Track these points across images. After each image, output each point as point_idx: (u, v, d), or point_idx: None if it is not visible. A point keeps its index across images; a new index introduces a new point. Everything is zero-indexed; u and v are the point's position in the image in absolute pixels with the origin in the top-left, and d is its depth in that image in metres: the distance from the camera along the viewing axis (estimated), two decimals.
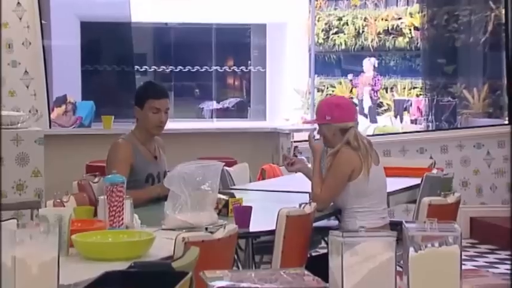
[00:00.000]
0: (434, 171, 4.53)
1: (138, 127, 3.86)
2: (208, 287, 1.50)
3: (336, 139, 3.66)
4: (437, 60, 7.89)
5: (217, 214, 3.19)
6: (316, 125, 4.20)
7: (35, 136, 5.40)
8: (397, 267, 1.66)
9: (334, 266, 1.61)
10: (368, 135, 6.42)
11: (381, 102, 11.56)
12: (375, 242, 1.62)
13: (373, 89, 11.22)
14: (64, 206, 3.25)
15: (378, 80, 11.30)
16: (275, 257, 3.13)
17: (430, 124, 7.91)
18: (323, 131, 3.71)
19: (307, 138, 3.98)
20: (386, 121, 11.18)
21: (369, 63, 11.27)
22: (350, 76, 11.67)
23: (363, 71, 11.43)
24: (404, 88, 11.96)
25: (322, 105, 3.79)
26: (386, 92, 11.76)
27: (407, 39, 12.06)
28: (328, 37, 12.33)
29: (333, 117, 3.66)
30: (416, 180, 4.40)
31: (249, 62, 8.11)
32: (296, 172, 3.92)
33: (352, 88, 11.61)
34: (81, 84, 7.12)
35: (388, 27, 12.07)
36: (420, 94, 10.17)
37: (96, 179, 3.86)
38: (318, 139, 3.79)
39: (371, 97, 11.19)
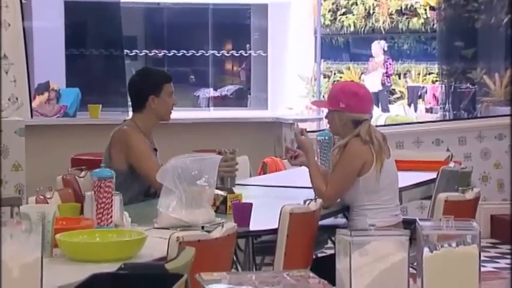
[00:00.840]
0: (452, 164, 4.53)
1: (146, 117, 3.93)
2: None
3: (346, 129, 3.66)
4: (455, 43, 7.88)
5: (214, 211, 3.20)
6: (324, 110, 4.20)
7: (15, 126, 5.40)
8: (410, 268, 1.67)
9: (342, 268, 1.62)
10: (378, 126, 6.43)
11: (393, 90, 11.55)
12: (386, 242, 1.63)
13: (385, 75, 11.16)
14: (47, 203, 3.26)
15: (390, 64, 11.23)
16: (277, 258, 3.14)
17: (447, 113, 7.90)
18: (333, 118, 3.69)
19: (312, 129, 3.99)
20: (399, 110, 11.18)
21: (378, 47, 11.22)
22: (362, 64, 11.65)
23: (371, 56, 11.42)
24: (419, 74, 11.96)
25: (338, 90, 3.76)
26: (399, 78, 11.76)
27: (422, 20, 12.05)
28: (335, 18, 12.32)
29: (348, 106, 3.64)
30: (431, 175, 4.40)
31: (249, 45, 8.09)
32: (300, 166, 3.93)
33: (361, 74, 11.60)
34: (66, 70, 7.10)
35: (401, 7, 12.06)
36: (436, 80, 10.16)
37: (83, 173, 3.87)
38: (303, 135, 3.77)
39: (383, 83, 11.16)
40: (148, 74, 4.08)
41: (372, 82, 10.80)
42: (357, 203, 3.67)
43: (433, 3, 10.87)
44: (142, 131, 3.90)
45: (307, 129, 4.00)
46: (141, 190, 3.84)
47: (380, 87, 11.15)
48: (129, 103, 6.87)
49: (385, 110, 11.03)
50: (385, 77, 11.21)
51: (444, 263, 1.64)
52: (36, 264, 1.59)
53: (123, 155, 3.81)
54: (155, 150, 3.97)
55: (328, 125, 3.88)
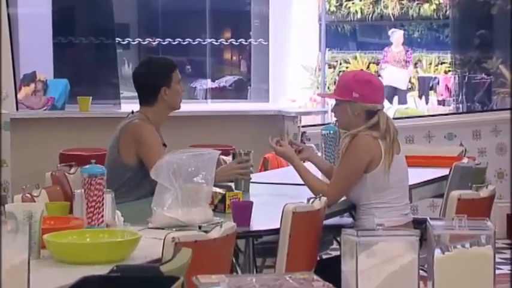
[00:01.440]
0: (465, 160, 4.54)
1: (158, 110, 3.96)
2: None
3: (359, 121, 3.64)
4: (469, 30, 7.87)
5: (212, 210, 3.21)
6: (330, 102, 4.20)
7: None
8: (421, 271, 1.67)
9: (348, 270, 1.63)
10: None
11: None
12: (395, 242, 1.63)
13: (406, 67, 10.98)
14: (34, 201, 3.27)
15: (410, 54, 11.07)
16: (279, 259, 3.15)
17: (461, 105, 7.90)
18: (344, 110, 3.67)
19: (315, 123, 3.99)
20: (410, 102, 11.17)
21: (398, 35, 11.03)
22: (369, 53, 11.56)
23: (383, 45, 11.37)
24: (431, 63, 11.95)
25: (349, 79, 3.73)
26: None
27: (434, 6, 12.04)
28: (341, 4, 12.32)
29: (362, 95, 3.63)
30: (443, 171, 4.41)
31: (250, 33, 8.09)
32: (304, 161, 3.93)
33: (369, 64, 11.58)
34: (53, 60, 7.09)
35: None
36: (449, 70, 10.16)
37: (72, 170, 3.88)
38: (281, 145, 3.78)
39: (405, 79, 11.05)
40: (155, 65, 4.08)
41: (394, 76, 10.68)
42: (364, 201, 3.68)
43: None
44: (153, 124, 3.93)
45: (311, 123, 4.00)
46: (152, 187, 3.84)
47: (404, 82, 10.94)
48: (122, 95, 6.93)
49: (403, 103, 10.96)
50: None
51: (457, 265, 1.65)
52: (23, 266, 1.60)
53: (133, 150, 3.84)
54: (164, 145, 3.98)
55: (335, 119, 3.88)
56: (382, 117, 3.63)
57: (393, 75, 10.85)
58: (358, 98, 3.63)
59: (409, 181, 3.81)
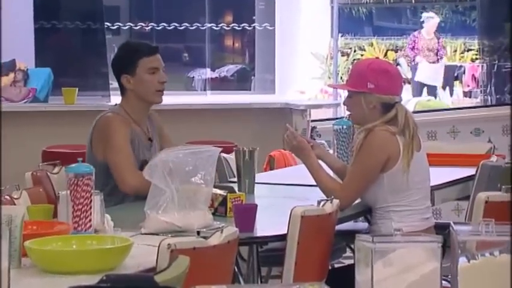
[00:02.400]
0: (494, 158, 4.54)
1: (129, 101, 3.93)
2: None
3: (375, 115, 3.65)
4: (499, 13, 7.87)
5: (212, 214, 3.22)
6: (343, 93, 4.22)
7: None
8: (443, 281, 1.68)
9: (362, 280, 1.64)
10: None
11: None
12: (415, 249, 1.64)
13: (437, 57, 10.88)
14: (15, 204, 3.28)
15: (441, 44, 10.95)
16: (287, 269, 3.16)
17: (489, 97, 7.90)
18: (358, 102, 3.67)
19: (327, 117, 4.00)
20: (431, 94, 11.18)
21: (433, 23, 10.90)
22: (387, 39, 11.49)
23: (402, 30, 11.35)
24: (456, 51, 11.95)
25: (363, 68, 3.74)
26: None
27: None
28: None
29: (378, 86, 3.63)
30: (469, 171, 4.41)
31: (253, 17, 8.11)
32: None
33: (386, 51, 11.58)
34: (35, 47, 7.11)
35: None
36: (476, 58, 10.16)
37: (56, 169, 3.89)
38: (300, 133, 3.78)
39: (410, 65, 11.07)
40: (121, 49, 4.07)
41: (427, 75, 10.60)
42: (381, 203, 3.68)
43: None
44: (132, 118, 3.91)
45: (322, 118, 4.02)
46: None
47: (439, 80, 10.83)
48: (111, 85, 6.94)
49: (433, 95, 10.91)
50: (437, 60, 10.90)
51: (483, 275, 1.66)
52: (3, 276, 1.61)
53: (101, 146, 3.83)
54: (150, 140, 3.96)
55: (348, 113, 3.89)
56: (400, 111, 3.64)
57: (426, 72, 10.74)
58: (373, 89, 3.64)
59: (430, 181, 3.82)
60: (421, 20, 11.15)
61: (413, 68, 10.95)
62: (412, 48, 10.91)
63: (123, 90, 3.95)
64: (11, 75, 6.61)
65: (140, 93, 3.90)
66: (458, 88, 11.13)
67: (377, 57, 10.46)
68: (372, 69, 3.68)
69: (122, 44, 4.27)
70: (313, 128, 6.53)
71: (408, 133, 3.63)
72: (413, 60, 10.97)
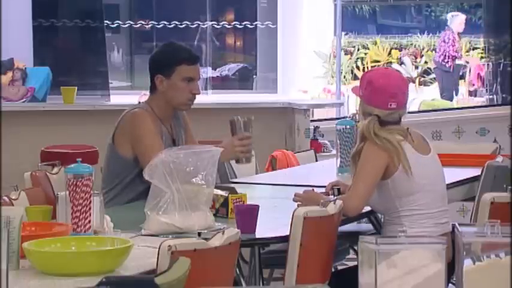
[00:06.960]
0: (499, 158, 4.54)
1: (157, 101, 3.96)
2: None
3: (370, 122, 3.69)
4: (505, 11, 7.86)
5: (213, 215, 3.22)
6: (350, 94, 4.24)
7: None
8: (449, 283, 1.68)
9: (366, 283, 1.64)
10: (410, 112, 6.41)
11: (429, 68, 11.53)
12: (419, 251, 1.64)
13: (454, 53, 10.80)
14: (13, 205, 3.28)
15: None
16: (289, 271, 3.16)
17: (495, 97, 7.89)
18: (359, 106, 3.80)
19: (330, 117, 4.01)
20: (435, 93, 11.16)
21: (460, 20, 10.81)
22: (391, 38, 11.39)
23: (406, 28, 11.33)
24: (461, 49, 11.92)
25: (364, 75, 3.88)
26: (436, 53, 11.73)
27: None
28: None
29: (363, 95, 3.73)
30: (475, 171, 4.41)
31: (256, 15, 8.10)
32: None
33: (390, 50, 11.56)
34: (33, 45, 7.11)
35: None
36: (482, 57, 10.14)
37: (55, 170, 3.89)
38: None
39: (450, 66, 10.94)
40: (163, 49, 4.11)
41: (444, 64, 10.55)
42: (390, 210, 3.66)
43: None
44: (159, 117, 3.93)
45: (325, 117, 4.04)
46: (147, 188, 3.85)
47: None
48: (111, 85, 6.94)
49: (449, 99, 10.86)
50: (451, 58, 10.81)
51: (489, 277, 1.66)
52: (1, 278, 1.61)
53: (128, 142, 3.84)
54: (173, 141, 3.98)
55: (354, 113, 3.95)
56: (368, 125, 3.63)
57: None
58: (361, 97, 3.71)
59: (445, 184, 3.79)
60: (446, 19, 11.13)
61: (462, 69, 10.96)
62: (453, 46, 10.83)
63: (153, 88, 3.97)
64: (9, 74, 6.61)
65: (170, 97, 3.94)
66: (463, 87, 11.10)
67: (387, 65, 10.43)
68: (363, 78, 3.80)
69: (166, 43, 4.32)
70: (316, 127, 6.52)
71: (390, 147, 3.61)
72: (460, 58, 10.92)
